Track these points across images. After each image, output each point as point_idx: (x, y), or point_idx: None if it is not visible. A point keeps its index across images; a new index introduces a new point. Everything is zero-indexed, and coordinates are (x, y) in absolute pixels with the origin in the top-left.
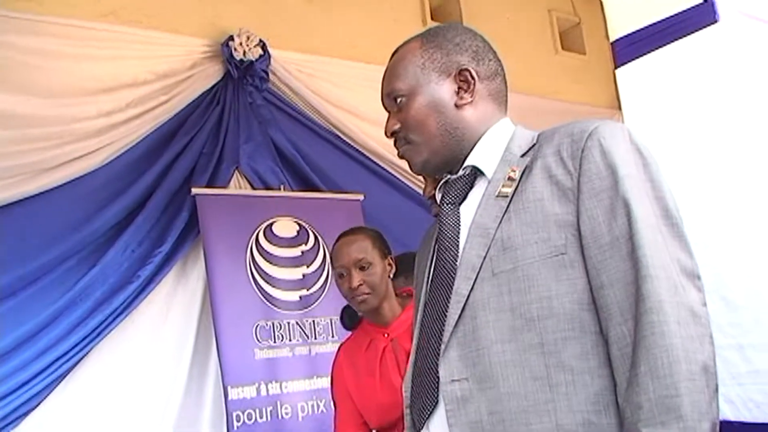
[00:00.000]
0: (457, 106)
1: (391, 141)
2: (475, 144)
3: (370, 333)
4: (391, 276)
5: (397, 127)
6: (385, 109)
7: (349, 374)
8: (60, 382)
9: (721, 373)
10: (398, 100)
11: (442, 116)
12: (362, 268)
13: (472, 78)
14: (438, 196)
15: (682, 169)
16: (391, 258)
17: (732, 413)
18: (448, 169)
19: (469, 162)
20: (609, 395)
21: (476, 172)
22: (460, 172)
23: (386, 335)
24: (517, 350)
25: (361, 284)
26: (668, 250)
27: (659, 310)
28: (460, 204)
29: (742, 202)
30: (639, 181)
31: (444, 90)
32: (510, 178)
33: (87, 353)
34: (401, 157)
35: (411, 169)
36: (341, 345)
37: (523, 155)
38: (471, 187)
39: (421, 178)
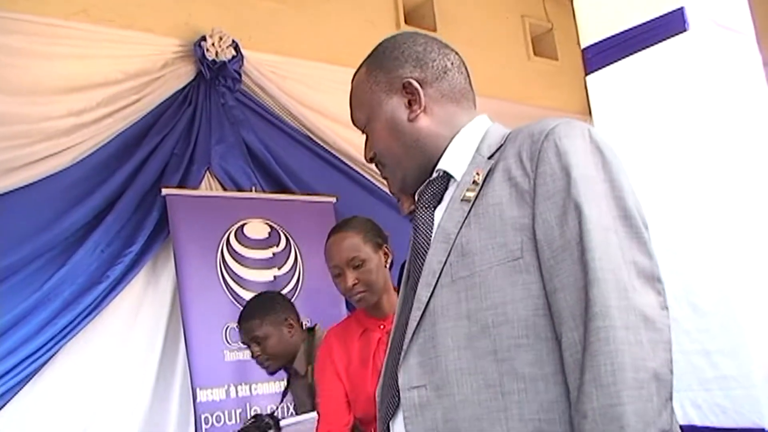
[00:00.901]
0: (409, 120)
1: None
2: (446, 147)
3: (365, 323)
4: (388, 266)
5: (372, 154)
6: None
7: (340, 356)
8: (27, 381)
9: (688, 379)
10: (362, 129)
11: (400, 134)
12: (356, 267)
13: (415, 87)
14: (415, 200)
15: (651, 175)
16: (387, 247)
17: (699, 418)
18: (426, 178)
19: (439, 166)
20: (565, 402)
21: (448, 176)
22: (433, 175)
23: (382, 327)
24: (473, 357)
25: (356, 283)
26: (622, 252)
27: (605, 315)
28: (434, 208)
29: (710, 209)
30: (595, 182)
31: (394, 108)
32: (474, 182)
33: (55, 353)
34: (384, 179)
35: (391, 190)
36: (331, 329)
37: (490, 156)
38: (445, 190)
39: None
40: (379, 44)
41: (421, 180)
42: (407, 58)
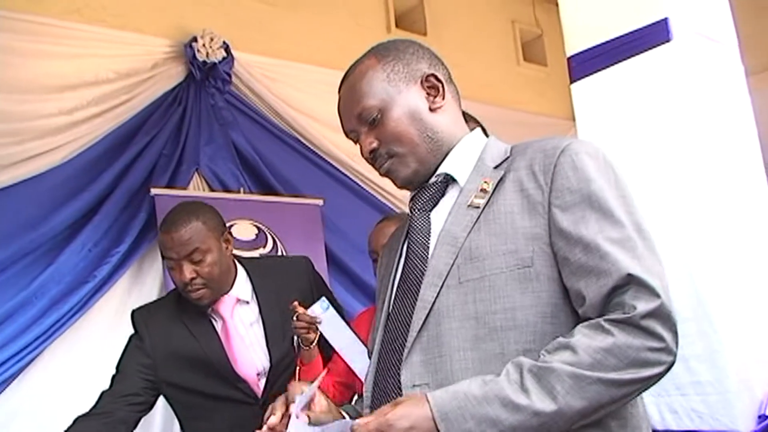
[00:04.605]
0: (431, 110)
1: (352, 146)
2: (449, 151)
3: None
4: None
5: (375, 144)
6: (347, 135)
7: (362, 334)
8: (12, 381)
9: (665, 383)
10: (372, 118)
11: (421, 123)
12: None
13: (439, 81)
14: (408, 204)
15: (633, 183)
16: None
17: (675, 423)
18: (429, 177)
19: (442, 169)
20: None
21: (448, 180)
22: (432, 179)
23: None
24: (479, 359)
25: None
26: (639, 260)
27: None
28: (430, 211)
29: (690, 216)
30: (610, 196)
31: (415, 98)
32: (483, 190)
33: (41, 352)
34: (385, 174)
35: (396, 183)
36: (366, 309)
37: (496, 167)
38: (442, 195)
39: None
40: (383, 43)
41: (428, 174)
42: (423, 56)
